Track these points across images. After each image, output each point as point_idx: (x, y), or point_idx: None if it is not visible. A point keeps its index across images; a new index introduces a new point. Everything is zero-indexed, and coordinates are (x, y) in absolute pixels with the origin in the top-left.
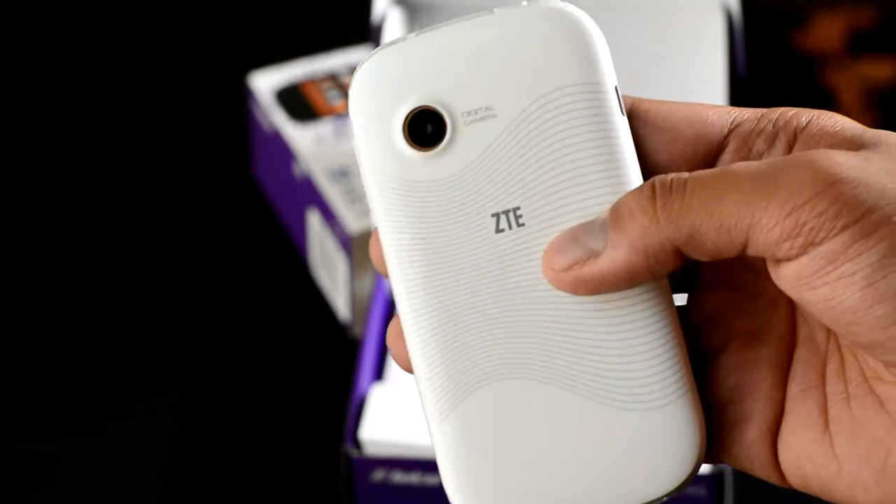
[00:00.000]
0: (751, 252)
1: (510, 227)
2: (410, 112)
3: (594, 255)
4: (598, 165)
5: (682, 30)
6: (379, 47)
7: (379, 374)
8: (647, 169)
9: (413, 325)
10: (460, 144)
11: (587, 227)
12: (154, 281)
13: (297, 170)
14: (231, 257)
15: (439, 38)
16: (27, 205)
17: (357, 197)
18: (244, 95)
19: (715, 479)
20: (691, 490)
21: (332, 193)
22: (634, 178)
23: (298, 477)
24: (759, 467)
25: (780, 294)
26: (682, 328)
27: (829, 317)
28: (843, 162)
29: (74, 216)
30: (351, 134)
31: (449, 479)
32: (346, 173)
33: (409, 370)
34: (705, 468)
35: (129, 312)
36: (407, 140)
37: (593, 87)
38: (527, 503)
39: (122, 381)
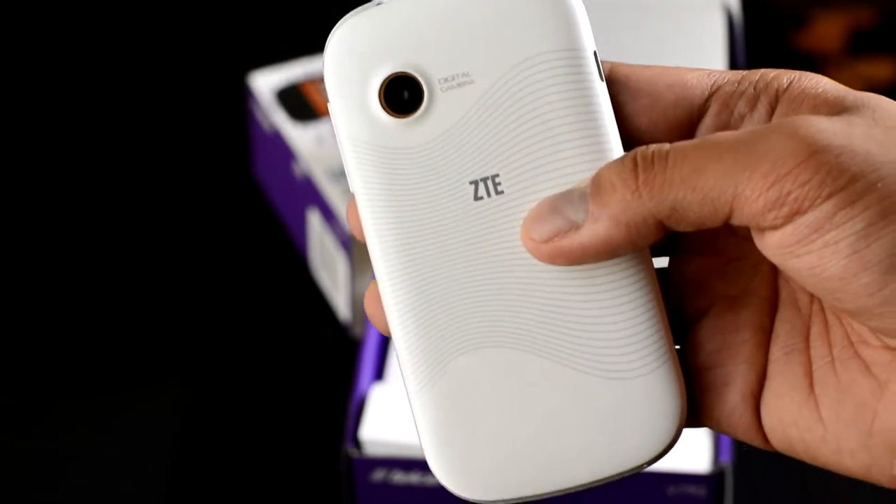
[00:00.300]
0: (735, 222)
1: (489, 195)
2: (387, 78)
3: (574, 226)
4: (578, 132)
5: (682, 30)
6: (352, 12)
7: (379, 374)
8: (628, 134)
9: (391, 292)
10: (437, 111)
11: (567, 197)
12: (154, 281)
13: (297, 170)
14: (231, 257)
15: (416, 3)
16: (27, 204)
17: None
18: (244, 95)
19: (715, 479)
20: (691, 490)
21: (332, 193)
22: (614, 144)
23: (298, 477)
24: (742, 432)
25: (763, 257)
26: (662, 292)
27: (813, 284)
28: (826, 129)
29: (75, 216)
30: (326, 100)
31: (428, 448)
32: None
33: (388, 335)
34: (705, 468)
35: (129, 312)
36: (383, 107)
37: (572, 53)
38: (505, 471)
39: (122, 381)
